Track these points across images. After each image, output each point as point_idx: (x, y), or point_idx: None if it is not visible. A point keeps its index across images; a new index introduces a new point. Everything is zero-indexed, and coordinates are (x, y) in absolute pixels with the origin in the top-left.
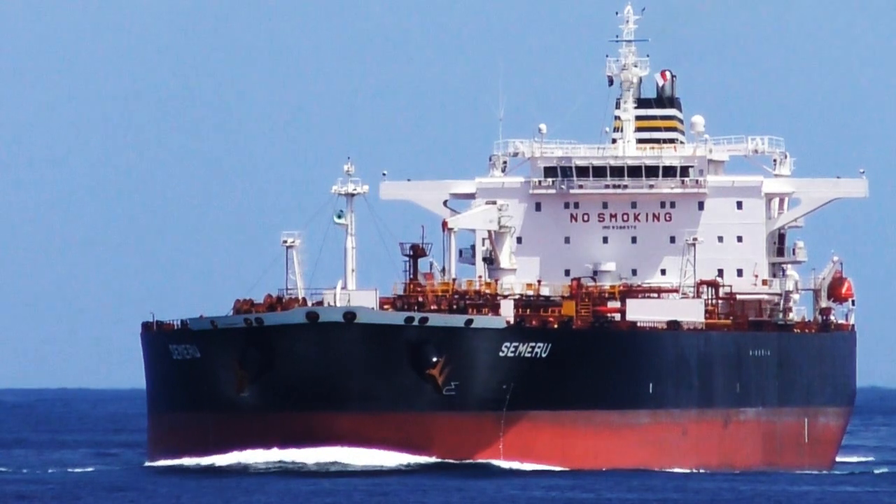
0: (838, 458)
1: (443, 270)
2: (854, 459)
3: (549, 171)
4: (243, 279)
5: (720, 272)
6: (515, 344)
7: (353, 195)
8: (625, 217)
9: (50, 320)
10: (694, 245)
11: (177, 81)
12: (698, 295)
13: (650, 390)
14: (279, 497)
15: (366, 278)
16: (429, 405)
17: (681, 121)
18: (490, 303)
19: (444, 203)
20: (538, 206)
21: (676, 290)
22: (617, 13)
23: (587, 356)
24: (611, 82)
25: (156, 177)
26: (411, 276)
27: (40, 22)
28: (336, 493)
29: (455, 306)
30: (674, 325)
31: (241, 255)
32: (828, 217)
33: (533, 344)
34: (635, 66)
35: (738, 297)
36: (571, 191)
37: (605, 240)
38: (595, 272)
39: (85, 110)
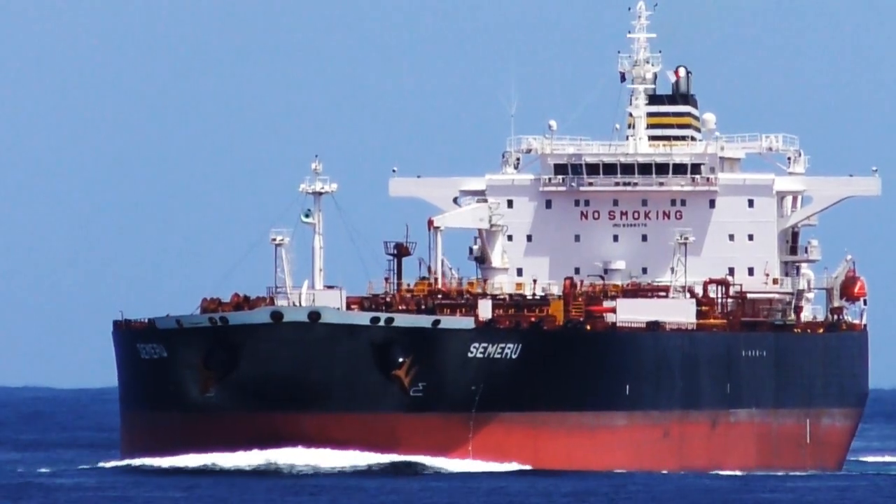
0: (854, 458)
1: (429, 270)
2: (875, 460)
3: (560, 169)
4: (224, 277)
5: (731, 271)
6: (485, 345)
7: (320, 194)
8: (635, 215)
9: (26, 318)
10: (685, 244)
11: (159, 79)
12: (706, 294)
13: (627, 391)
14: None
15: (344, 278)
16: (395, 406)
17: (696, 118)
18: (471, 303)
19: (454, 200)
20: (548, 204)
21: (686, 289)
22: (629, 9)
23: (559, 357)
24: (623, 78)
25: (147, 170)
26: (395, 275)
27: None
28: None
29: (424, 306)
30: (653, 326)
31: (220, 254)
32: (843, 215)
33: (503, 345)
34: (647, 63)
35: (749, 295)
36: (581, 188)
37: (616, 238)
38: (605, 270)
39: (52, 109)
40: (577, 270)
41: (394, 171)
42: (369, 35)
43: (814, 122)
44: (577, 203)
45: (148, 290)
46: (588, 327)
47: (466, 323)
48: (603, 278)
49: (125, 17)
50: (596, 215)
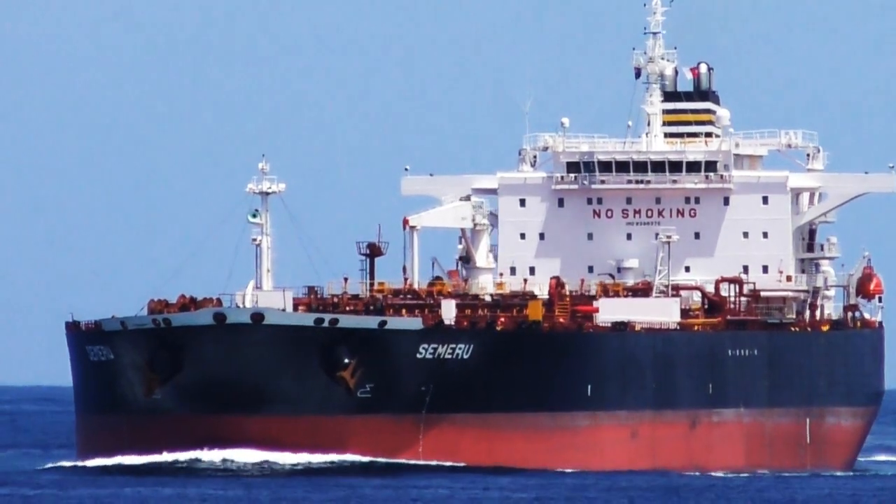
0: (868, 458)
1: (403, 270)
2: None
3: (572, 167)
4: (174, 277)
5: (745, 269)
6: (434, 345)
7: (268, 194)
8: (648, 213)
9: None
10: (668, 243)
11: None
12: (717, 293)
13: (588, 392)
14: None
15: (325, 279)
16: (341, 408)
17: (716, 114)
18: (437, 304)
19: (466, 198)
20: (561, 202)
21: (699, 288)
22: (644, 5)
23: (512, 358)
24: (638, 75)
25: (113, 165)
26: (367, 275)
27: None
28: None
29: (372, 307)
30: (621, 326)
31: (172, 255)
32: (861, 212)
33: (454, 346)
34: (662, 59)
35: (763, 293)
36: (594, 186)
37: (629, 236)
38: (618, 269)
39: (8, 105)
40: (590, 269)
41: (406, 169)
42: (379, 33)
43: (833, 118)
44: (589, 201)
45: (100, 291)
46: (546, 327)
47: (414, 323)
48: (614, 277)
49: (75, 16)
50: (609, 214)
